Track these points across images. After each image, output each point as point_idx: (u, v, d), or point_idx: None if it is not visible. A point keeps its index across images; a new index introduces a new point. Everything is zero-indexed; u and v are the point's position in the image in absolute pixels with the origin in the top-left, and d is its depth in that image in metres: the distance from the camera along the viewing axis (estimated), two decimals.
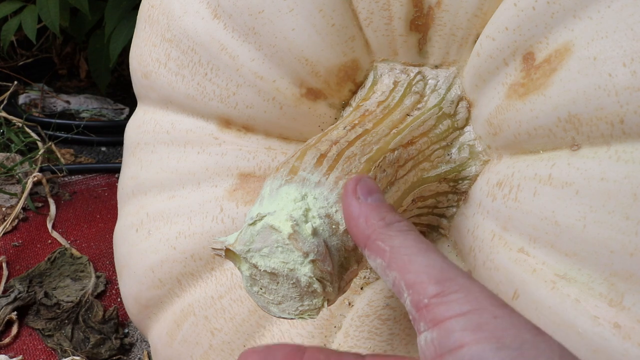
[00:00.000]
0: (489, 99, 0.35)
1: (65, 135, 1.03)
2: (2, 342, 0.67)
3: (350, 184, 0.29)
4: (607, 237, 0.29)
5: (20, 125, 1.00)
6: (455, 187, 0.38)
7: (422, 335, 0.24)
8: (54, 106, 1.13)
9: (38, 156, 0.94)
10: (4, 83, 1.14)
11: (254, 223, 0.30)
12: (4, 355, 0.65)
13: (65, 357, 0.65)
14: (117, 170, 0.97)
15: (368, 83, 0.40)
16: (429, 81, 0.39)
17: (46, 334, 0.68)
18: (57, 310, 0.70)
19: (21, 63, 1.20)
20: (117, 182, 0.52)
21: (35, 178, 0.87)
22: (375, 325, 0.39)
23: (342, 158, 0.33)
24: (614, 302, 0.29)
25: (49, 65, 1.23)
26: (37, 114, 1.08)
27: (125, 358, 0.67)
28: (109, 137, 1.05)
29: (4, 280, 0.74)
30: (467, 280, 0.25)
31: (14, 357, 0.65)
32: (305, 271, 0.29)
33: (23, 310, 0.70)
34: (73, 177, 0.96)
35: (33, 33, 0.96)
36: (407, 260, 0.25)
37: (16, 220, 0.84)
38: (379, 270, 0.27)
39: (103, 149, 1.05)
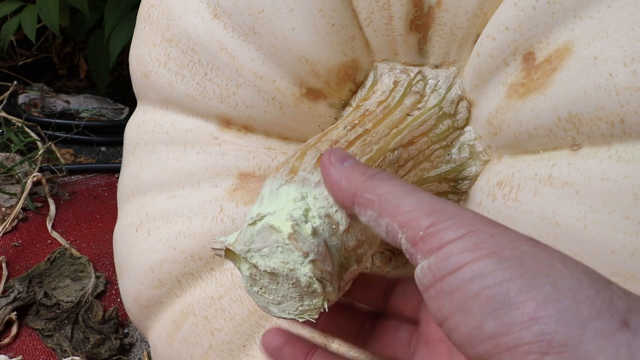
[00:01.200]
0: (489, 98, 0.35)
1: (65, 135, 1.02)
2: (1, 343, 0.67)
3: (324, 157, 0.30)
4: (607, 237, 0.29)
5: (20, 125, 1.00)
6: (456, 187, 0.38)
7: (418, 266, 0.24)
8: (54, 106, 1.13)
9: (38, 156, 0.94)
10: (4, 83, 1.14)
11: (254, 223, 0.30)
12: (3, 356, 0.65)
13: (65, 357, 0.65)
14: (117, 170, 0.97)
15: (368, 83, 0.40)
16: (429, 81, 0.39)
17: (46, 334, 0.68)
18: (57, 311, 0.70)
19: (21, 63, 1.20)
20: (117, 182, 0.52)
21: (35, 178, 0.87)
22: None
23: None
24: None
25: (49, 65, 1.23)
26: (36, 114, 1.08)
27: (125, 358, 0.67)
28: (109, 137, 1.05)
29: (3, 281, 0.74)
30: (458, 208, 0.25)
31: (14, 357, 0.65)
32: (305, 271, 0.29)
33: (23, 311, 0.70)
34: (73, 177, 0.96)
35: (33, 33, 0.96)
36: (397, 203, 0.25)
37: (16, 220, 0.84)
38: (371, 223, 0.27)
39: (103, 149, 1.05)
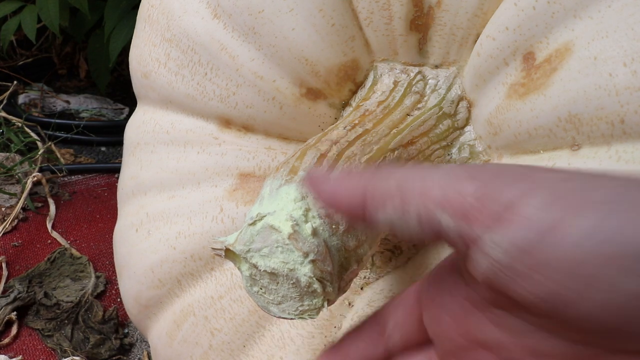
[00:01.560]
0: (489, 98, 0.35)
1: (65, 135, 1.02)
2: (1, 343, 0.67)
3: (307, 181, 0.26)
4: None
5: (20, 125, 1.00)
6: None
7: (482, 244, 0.20)
8: (54, 106, 1.13)
9: (38, 156, 0.94)
10: (4, 83, 1.14)
11: (253, 223, 0.30)
12: (3, 356, 0.65)
13: (65, 357, 0.65)
14: (117, 170, 0.97)
15: (368, 83, 0.40)
16: (429, 81, 0.39)
17: (46, 334, 0.68)
18: (57, 311, 0.70)
19: (21, 63, 1.20)
20: (117, 182, 0.52)
21: (35, 178, 0.87)
22: None
23: (342, 158, 0.33)
24: None
25: (49, 65, 1.23)
26: (36, 114, 1.08)
27: (125, 358, 0.67)
28: (109, 137, 1.05)
29: (3, 281, 0.74)
30: (495, 165, 0.21)
31: (14, 357, 0.65)
32: (305, 271, 0.29)
33: (23, 311, 0.70)
34: (73, 177, 0.96)
35: (33, 33, 0.96)
36: (422, 183, 0.21)
37: (16, 220, 0.84)
38: (396, 218, 0.22)
39: (103, 149, 1.05)
